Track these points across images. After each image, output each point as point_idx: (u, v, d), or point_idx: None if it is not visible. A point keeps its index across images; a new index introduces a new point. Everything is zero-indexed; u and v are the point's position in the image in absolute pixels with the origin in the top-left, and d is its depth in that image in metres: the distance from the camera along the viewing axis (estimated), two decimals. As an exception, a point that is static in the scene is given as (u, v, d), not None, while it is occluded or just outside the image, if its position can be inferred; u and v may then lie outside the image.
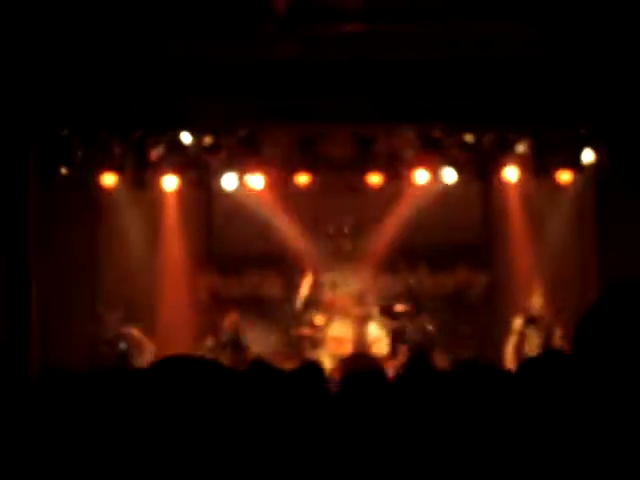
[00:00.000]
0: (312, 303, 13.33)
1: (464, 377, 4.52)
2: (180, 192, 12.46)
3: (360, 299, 13.13)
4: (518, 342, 10.46)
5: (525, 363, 3.64)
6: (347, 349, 11.99)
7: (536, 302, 10.53)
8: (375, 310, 12.44)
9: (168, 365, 2.15)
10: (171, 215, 12.84)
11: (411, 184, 12.46)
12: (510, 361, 10.24)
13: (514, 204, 12.90)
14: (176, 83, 10.35)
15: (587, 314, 2.14)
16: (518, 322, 10.56)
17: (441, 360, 10.99)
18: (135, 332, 10.80)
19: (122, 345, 10.77)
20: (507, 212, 13.02)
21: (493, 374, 4.23)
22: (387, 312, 12.41)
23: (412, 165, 11.98)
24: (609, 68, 10.36)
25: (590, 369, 2.07)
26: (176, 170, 11.53)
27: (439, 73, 10.54)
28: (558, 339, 10.49)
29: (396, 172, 12.10)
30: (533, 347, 10.43)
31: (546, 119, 10.96)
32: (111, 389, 3.35)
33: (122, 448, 2.12)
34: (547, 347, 10.38)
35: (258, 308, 13.26)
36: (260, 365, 5.89)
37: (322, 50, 10.24)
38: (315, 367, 6.38)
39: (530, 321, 10.54)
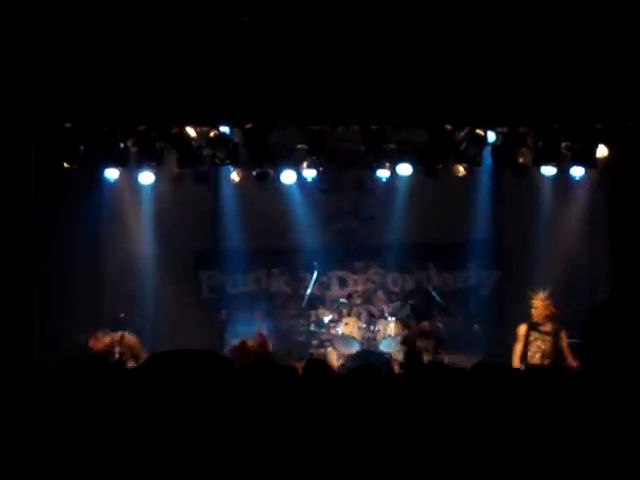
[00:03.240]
0: (319, 300, 13.23)
1: (464, 376, 4.38)
2: (185, 187, 12.34)
3: (368, 296, 13.00)
4: (523, 348, 10.38)
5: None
6: (354, 347, 11.84)
7: (539, 307, 10.42)
8: (384, 308, 12.28)
9: (172, 358, 2.28)
10: (174, 210, 12.72)
11: (422, 180, 12.34)
12: (518, 367, 10.20)
13: (525, 200, 12.75)
14: (180, 76, 10.22)
15: (599, 306, 2.16)
16: (522, 328, 10.46)
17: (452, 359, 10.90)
18: (131, 339, 10.66)
19: (116, 356, 10.68)
20: (518, 208, 12.87)
21: (501, 373, 4.13)
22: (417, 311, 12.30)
23: (422, 160, 11.83)
24: (623, 63, 10.25)
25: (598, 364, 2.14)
26: (181, 164, 11.36)
27: (449, 66, 10.41)
28: (564, 344, 10.36)
29: (406, 168, 11.93)
30: (538, 353, 10.33)
31: (560, 114, 10.84)
32: (111, 382, 3.26)
33: (127, 439, 2.16)
34: (552, 353, 10.31)
35: (264, 305, 13.14)
36: (266, 361, 5.77)
37: (328, 44, 10.11)
38: (320, 364, 6.24)
39: (533, 327, 10.43)
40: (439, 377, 4.58)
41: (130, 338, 10.69)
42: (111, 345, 10.62)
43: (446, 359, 11.00)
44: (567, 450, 2.52)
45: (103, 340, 10.58)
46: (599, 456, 2.24)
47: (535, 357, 10.33)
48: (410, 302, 12.38)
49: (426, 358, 11.02)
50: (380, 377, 4.77)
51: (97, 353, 10.52)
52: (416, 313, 11.73)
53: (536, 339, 10.42)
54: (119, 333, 10.66)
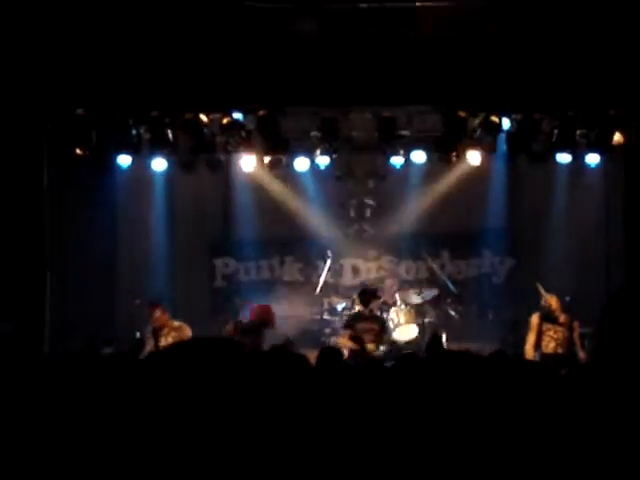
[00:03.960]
0: (332, 288, 13.18)
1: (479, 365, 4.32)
2: (198, 174, 12.31)
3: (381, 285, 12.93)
4: (536, 339, 10.34)
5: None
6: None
7: (552, 298, 10.36)
8: (397, 296, 12.21)
9: (191, 346, 2.22)
10: (186, 197, 12.68)
11: (436, 167, 12.27)
12: (531, 356, 10.17)
13: (539, 187, 12.67)
14: (192, 62, 10.17)
15: (616, 295, 2.11)
16: (535, 318, 10.40)
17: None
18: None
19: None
20: (532, 196, 12.79)
21: (513, 364, 4.08)
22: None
23: (436, 147, 11.77)
24: (638, 49, 10.15)
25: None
26: (194, 151, 11.33)
27: (463, 52, 10.33)
28: (576, 335, 10.30)
29: (420, 155, 11.86)
30: (551, 343, 10.28)
31: (575, 101, 10.77)
32: (125, 373, 3.22)
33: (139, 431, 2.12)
34: (565, 343, 10.23)
35: (277, 293, 13.10)
36: (279, 349, 5.73)
37: (341, 27, 10.03)
38: (334, 352, 6.22)
39: (546, 317, 10.36)
40: (459, 365, 4.53)
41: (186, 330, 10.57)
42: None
43: (383, 347, 10.97)
44: (581, 442, 2.47)
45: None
46: (611, 449, 2.18)
47: (549, 347, 10.25)
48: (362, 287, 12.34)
49: (369, 343, 10.99)
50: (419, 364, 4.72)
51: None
52: (363, 298, 11.63)
53: (549, 329, 10.34)
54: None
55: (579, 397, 2.80)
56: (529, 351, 10.28)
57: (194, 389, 2.09)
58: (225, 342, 2.28)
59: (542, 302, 10.45)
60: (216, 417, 2.07)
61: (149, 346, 10.30)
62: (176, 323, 10.46)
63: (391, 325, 11.73)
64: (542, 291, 10.51)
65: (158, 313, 10.39)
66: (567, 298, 10.51)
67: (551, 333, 10.33)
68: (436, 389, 4.26)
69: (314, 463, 3.44)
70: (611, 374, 2.18)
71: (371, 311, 11.42)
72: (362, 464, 3.60)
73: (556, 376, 3.37)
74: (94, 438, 2.64)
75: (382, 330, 11.29)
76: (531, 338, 10.35)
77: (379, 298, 11.66)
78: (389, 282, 12.45)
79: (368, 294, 11.59)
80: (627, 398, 2.13)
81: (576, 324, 10.28)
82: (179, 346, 2.19)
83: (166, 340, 10.26)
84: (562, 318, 10.36)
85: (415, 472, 3.40)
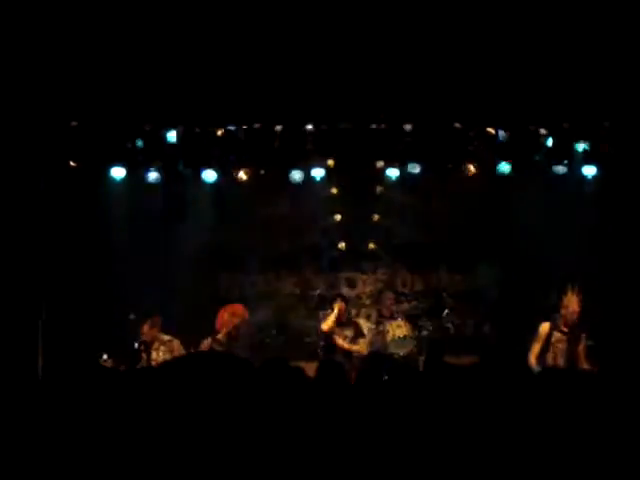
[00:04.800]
0: (328, 301, 13.14)
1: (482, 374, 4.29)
2: (192, 186, 12.26)
3: (378, 298, 12.90)
4: (542, 348, 9.86)
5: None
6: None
7: (573, 304, 9.86)
8: (393, 309, 12.17)
9: (190, 361, 2.19)
10: (180, 209, 12.62)
11: (432, 179, 12.26)
12: (534, 367, 9.67)
13: (536, 200, 12.64)
14: (186, 75, 10.17)
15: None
16: (545, 327, 9.92)
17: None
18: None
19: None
20: (529, 208, 12.76)
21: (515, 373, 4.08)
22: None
23: (431, 160, 11.76)
24: (629, 63, 10.19)
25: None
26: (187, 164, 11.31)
27: (459, 65, 10.36)
28: (582, 347, 9.93)
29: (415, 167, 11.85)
30: (559, 355, 9.87)
31: (568, 112, 10.80)
32: (124, 385, 3.20)
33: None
34: (569, 355, 9.84)
35: (275, 306, 13.06)
36: (276, 362, 5.67)
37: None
38: (334, 365, 6.15)
39: (557, 327, 9.90)
40: (456, 378, 4.49)
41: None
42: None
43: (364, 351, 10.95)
44: (580, 451, 2.42)
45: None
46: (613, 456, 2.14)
47: (558, 360, 9.70)
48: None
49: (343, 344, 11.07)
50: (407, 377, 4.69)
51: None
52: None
53: (559, 340, 9.89)
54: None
55: (580, 410, 2.76)
56: (532, 362, 9.76)
57: (194, 403, 2.06)
58: (224, 357, 2.25)
59: (561, 307, 9.90)
60: (217, 428, 2.05)
61: (142, 360, 10.26)
62: (166, 337, 10.44)
63: (387, 338, 11.70)
64: (569, 292, 9.94)
65: (146, 328, 10.38)
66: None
67: (560, 345, 9.87)
68: (436, 402, 4.22)
69: (312, 472, 3.40)
70: (612, 387, 2.14)
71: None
72: (360, 474, 3.56)
73: (556, 388, 3.33)
74: (92, 447, 2.60)
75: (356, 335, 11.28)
76: (536, 348, 9.82)
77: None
78: (385, 295, 12.41)
79: None
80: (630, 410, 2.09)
81: (583, 336, 9.89)
82: (176, 362, 2.16)
83: (157, 354, 10.24)
84: (574, 328, 9.85)
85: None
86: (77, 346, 10.58)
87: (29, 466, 2.66)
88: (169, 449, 2.03)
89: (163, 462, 2.03)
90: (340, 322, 11.35)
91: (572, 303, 9.90)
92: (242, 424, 2.12)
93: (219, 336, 10.96)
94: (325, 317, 11.55)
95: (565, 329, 9.92)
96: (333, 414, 3.99)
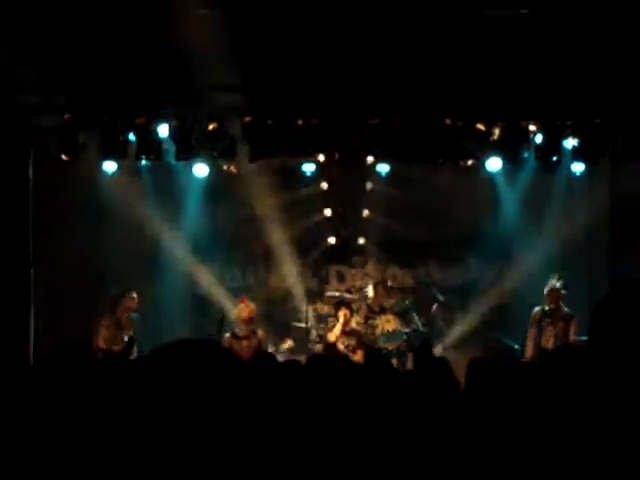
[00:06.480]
0: (317, 296, 13.18)
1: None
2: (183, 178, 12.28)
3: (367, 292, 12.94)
4: (536, 334, 10.44)
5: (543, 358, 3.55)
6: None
7: (551, 293, 10.54)
8: (385, 302, 12.22)
9: (175, 349, 2.15)
10: (170, 202, 12.64)
11: (422, 174, 12.29)
12: (530, 352, 10.30)
13: (525, 195, 12.71)
14: (180, 67, 10.14)
15: (605, 299, 2.14)
16: (536, 313, 10.61)
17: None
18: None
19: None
20: (519, 203, 12.82)
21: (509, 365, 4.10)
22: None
23: (421, 155, 11.76)
24: (624, 58, 10.20)
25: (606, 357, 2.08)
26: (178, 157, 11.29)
27: (451, 60, 10.35)
28: (572, 331, 10.47)
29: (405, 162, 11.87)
30: (551, 338, 10.39)
31: (560, 109, 10.83)
32: (115, 375, 3.22)
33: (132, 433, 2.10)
34: (562, 341, 10.29)
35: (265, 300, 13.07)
36: (267, 356, 5.73)
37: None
38: (324, 359, 6.18)
39: (546, 312, 10.49)
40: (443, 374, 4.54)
41: None
42: None
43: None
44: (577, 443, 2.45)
45: None
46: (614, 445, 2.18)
47: (549, 342, 10.39)
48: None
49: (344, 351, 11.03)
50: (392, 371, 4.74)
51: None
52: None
53: (548, 324, 10.52)
54: None
55: (570, 398, 2.78)
56: (529, 345, 10.51)
57: (184, 393, 2.06)
58: (210, 344, 2.24)
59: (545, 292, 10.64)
60: (209, 422, 2.05)
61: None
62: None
63: (377, 332, 11.74)
64: (553, 281, 10.67)
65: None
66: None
67: (551, 328, 10.48)
68: (427, 396, 4.27)
69: (306, 466, 3.44)
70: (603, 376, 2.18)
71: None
72: (354, 469, 3.60)
73: (546, 376, 3.35)
74: (85, 440, 2.62)
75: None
76: (531, 333, 10.56)
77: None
78: (375, 289, 12.44)
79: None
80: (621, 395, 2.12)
81: (573, 321, 10.49)
82: (165, 349, 2.15)
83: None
84: (561, 312, 10.55)
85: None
86: (67, 334, 10.60)
87: (19, 453, 2.68)
88: (163, 437, 2.03)
89: (157, 450, 2.04)
90: (345, 331, 11.32)
91: (551, 282, 10.68)
92: (237, 416, 2.13)
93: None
94: (331, 327, 11.45)
95: (552, 306, 10.57)
96: (323, 407, 4.03)
